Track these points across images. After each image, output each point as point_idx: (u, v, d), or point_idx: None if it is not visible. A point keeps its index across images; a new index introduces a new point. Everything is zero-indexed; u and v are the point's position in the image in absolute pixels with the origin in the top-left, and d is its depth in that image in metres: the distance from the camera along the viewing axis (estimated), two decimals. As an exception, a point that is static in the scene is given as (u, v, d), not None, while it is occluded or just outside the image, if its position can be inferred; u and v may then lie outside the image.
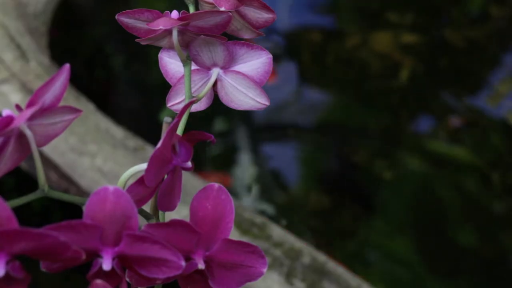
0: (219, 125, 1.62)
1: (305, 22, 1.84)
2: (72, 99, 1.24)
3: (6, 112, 0.36)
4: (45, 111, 0.37)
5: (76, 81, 1.24)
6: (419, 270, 1.40)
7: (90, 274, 0.36)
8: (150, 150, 1.19)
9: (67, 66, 0.36)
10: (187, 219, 0.39)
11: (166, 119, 0.45)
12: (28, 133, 0.36)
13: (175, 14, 0.44)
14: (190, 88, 0.44)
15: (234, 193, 1.48)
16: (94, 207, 0.35)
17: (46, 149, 1.15)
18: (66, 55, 1.66)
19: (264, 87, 0.46)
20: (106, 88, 1.71)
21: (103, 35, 1.78)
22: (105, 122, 1.22)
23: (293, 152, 1.61)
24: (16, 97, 1.20)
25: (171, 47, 0.46)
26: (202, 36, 0.44)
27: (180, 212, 1.01)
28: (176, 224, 0.37)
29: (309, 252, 1.10)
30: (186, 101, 0.44)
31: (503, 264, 1.42)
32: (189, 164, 0.40)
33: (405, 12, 1.85)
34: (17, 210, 0.34)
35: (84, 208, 0.35)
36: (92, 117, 1.22)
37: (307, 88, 1.74)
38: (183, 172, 0.40)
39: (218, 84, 0.45)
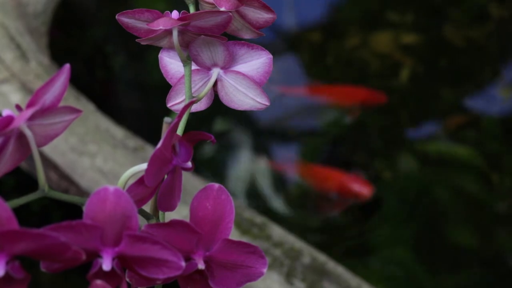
0: (219, 125, 1.62)
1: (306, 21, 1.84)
2: (72, 99, 1.24)
3: (6, 112, 0.36)
4: (45, 111, 0.37)
5: (76, 81, 1.24)
6: (418, 270, 1.39)
7: (90, 274, 0.36)
8: (150, 150, 1.19)
9: (67, 66, 0.36)
10: (187, 219, 0.39)
11: (166, 119, 0.45)
12: (28, 133, 0.36)
13: (175, 14, 0.44)
14: (190, 88, 0.44)
15: (233, 193, 1.48)
16: (94, 207, 0.35)
17: (46, 149, 1.15)
18: (66, 55, 1.66)
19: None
20: (106, 88, 1.71)
21: (103, 35, 1.78)
22: (105, 122, 1.22)
23: (293, 152, 1.61)
24: (16, 97, 1.20)
25: (171, 47, 0.46)
26: (202, 36, 0.44)
27: (180, 212, 1.01)
28: (176, 224, 0.37)
29: (309, 252, 1.10)
30: (186, 101, 0.44)
31: (502, 263, 1.42)
32: (189, 164, 0.40)
33: (405, 12, 1.85)
34: (16, 210, 0.34)
35: (84, 208, 0.35)
36: (92, 117, 1.22)
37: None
38: (183, 172, 0.40)
39: (218, 84, 0.45)
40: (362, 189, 1.43)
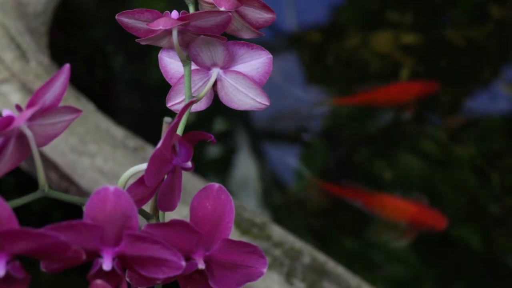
0: (219, 125, 1.62)
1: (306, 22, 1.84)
2: (72, 99, 1.24)
3: (6, 112, 0.36)
4: (45, 111, 0.37)
5: (76, 81, 1.24)
6: (419, 270, 1.39)
7: (90, 274, 0.36)
8: (150, 150, 1.19)
9: (67, 66, 0.36)
10: (187, 219, 0.39)
11: (166, 119, 0.45)
12: (28, 133, 0.36)
13: (175, 14, 0.44)
14: (190, 88, 0.44)
15: (234, 193, 1.48)
16: (94, 207, 0.35)
17: (46, 149, 1.15)
18: (66, 55, 1.66)
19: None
20: (106, 88, 1.71)
21: (103, 35, 1.78)
22: (105, 122, 1.22)
23: (293, 152, 1.61)
24: (16, 97, 1.20)
25: (171, 47, 0.46)
26: (202, 36, 0.44)
27: (180, 212, 1.01)
28: (176, 224, 0.37)
29: (309, 252, 1.10)
30: (186, 101, 0.44)
31: (503, 264, 1.42)
32: (189, 164, 0.40)
33: (405, 12, 1.85)
34: (16, 210, 0.34)
35: (84, 208, 0.35)
36: (92, 117, 1.22)
37: (307, 87, 1.74)
38: (183, 172, 0.40)
39: (218, 84, 0.45)
40: (437, 221, 1.39)
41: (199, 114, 1.52)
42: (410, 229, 1.39)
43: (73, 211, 1.28)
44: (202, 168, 1.53)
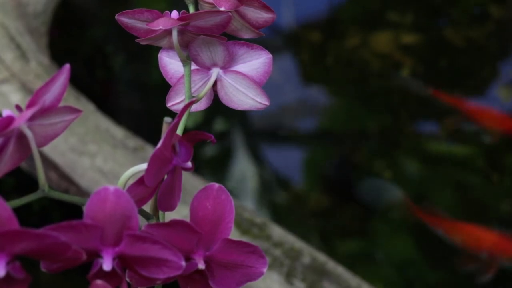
0: (219, 125, 1.62)
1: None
2: (72, 99, 1.24)
3: (6, 113, 0.36)
4: (45, 111, 0.37)
5: (76, 81, 1.24)
6: (419, 270, 1.39)
7: (91, 274, 0.36)
8: (150, 150, 1.19)
9: (67, 66, 0.36)
10: (187, 219, 0.39)
11: (166, 119, 0.45)
12: (28, 133, 0.36)
13: (175, 14, 0.44)
14: (190, 88, 0.44)
15: (233, 193, 1.48)
16: (94, 207, 0.35)
17: (46, 149, 1.15)
18: (66, 55, 1.66)
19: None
20: (106, 88, 1.71)
21: (103, 35, 1.78)
22: (105, 122, 1.22)
23: (293, 153, 1.61)
24: (16, 97, 1.20)
25: (171, 47, 0.46)
26: (202, 36, 0.44)
27: (180, 212, 1.01)
28: (176, 224, 0.37)
29: (309, 252, 1.10)
30: (186, 101, 0.44)
31: (503, 264, 1.42)
32: (189, 164, 0.40)
33: (405, 12, 1.85)
34: (16, 210, 0.34)
35: (84, 208, 0.35)
36: (92, 117, 1.22)
37: (307, 88, 1.74)
38: (183, 172, 0.40)
39: (218, 84, 0.46)
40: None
41: (200, 114, 1.52)
42: (491, 261, 1.36)
43: (73, 211, 1.28)
44: (201, 168, 1.53)
